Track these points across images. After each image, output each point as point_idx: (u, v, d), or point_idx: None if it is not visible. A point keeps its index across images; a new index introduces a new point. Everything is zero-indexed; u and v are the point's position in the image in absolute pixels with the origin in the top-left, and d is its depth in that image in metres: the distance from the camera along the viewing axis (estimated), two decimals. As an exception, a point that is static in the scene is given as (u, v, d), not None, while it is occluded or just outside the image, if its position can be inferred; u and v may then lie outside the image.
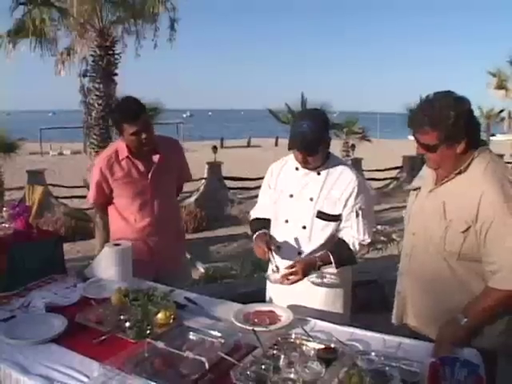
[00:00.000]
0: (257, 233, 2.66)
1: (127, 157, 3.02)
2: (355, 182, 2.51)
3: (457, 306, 2.02)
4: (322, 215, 2.52)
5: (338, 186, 2.52)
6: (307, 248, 2.56)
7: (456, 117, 1.93)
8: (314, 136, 2.40)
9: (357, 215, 2.51)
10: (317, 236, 2.55)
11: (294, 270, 2.43)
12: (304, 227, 2.55)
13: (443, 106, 1.95)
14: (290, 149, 2.49)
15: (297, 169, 2.59)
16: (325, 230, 2.55)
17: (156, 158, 3.05)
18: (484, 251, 1.96)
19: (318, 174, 2.54)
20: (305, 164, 2.50)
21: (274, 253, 2.50)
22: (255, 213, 2.84)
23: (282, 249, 2.59)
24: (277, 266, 2.49)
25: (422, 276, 2.18)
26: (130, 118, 2.89)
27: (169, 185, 3.19)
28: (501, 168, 2.04)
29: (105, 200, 3.15)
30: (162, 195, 3.11)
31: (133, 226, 3.08)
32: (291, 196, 2.58)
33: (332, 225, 2.55)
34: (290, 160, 2.64)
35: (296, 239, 2.57)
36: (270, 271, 2.67)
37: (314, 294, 2.57)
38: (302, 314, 2.36)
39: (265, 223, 2.72)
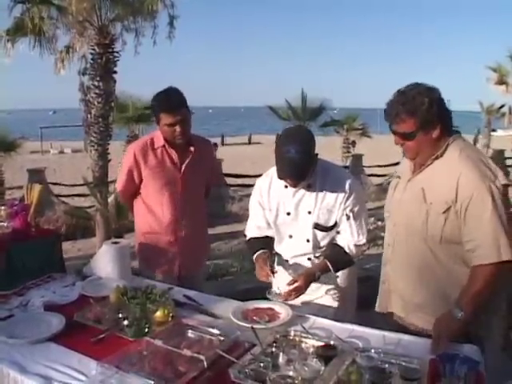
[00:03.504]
0: (257, 253, 2.62)
1: (163, 146, 2.95)
2: (346, 185, 2.49)
3: (440, 290, 2.11)
4: (318, 226, 2.53)
5: (330, 193, 2.50)
6: (314, 254, 2.59)
7: (429, 103, 2.02)
8: (302, 160, 2.31)
9: (348, 218, 2.51)
10: (320, 244, 2.58)
11: (296, 285, 2.41)
12: (308, 240, 2.56)
13: (416, 94, 2.04)
14: (280, 178, 2.42)
15: (286, 186, 2.52)
16: (326, 238, 2.57)
17: (192, 149, 2.99)
18: (464, 230, 2.03)
19: (309, 186, 2.50)
20: (294, 187, 2.47)
21: (275, 275, 2.48)
22: (250, 232, 2.77)
23: (291, 261, 2.64)
24: (279, 289, 2.47)
25: (405, 264, 2.24)
26: (169, 108, 2.83)
27: (199, 181, 3.11)
28: (475, 151, 2.14)
29: (133, 190, 3.07)
30: (192, 191, 3.04)
31: (159, 218, 3.00)
32: (288, 214, 2.56)
33: (330, 233, 2.57)
34: (276, 175, 2.54)
35: (302, 251, 2.59)
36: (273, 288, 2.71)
37: (319, 290, 2.61)
38: (307, 311, 2.38)
39: (264, 242, 2.67)
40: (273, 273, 2.46)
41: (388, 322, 2.32)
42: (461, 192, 2.00)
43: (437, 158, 2.12)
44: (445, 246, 2.09)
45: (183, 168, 2.98)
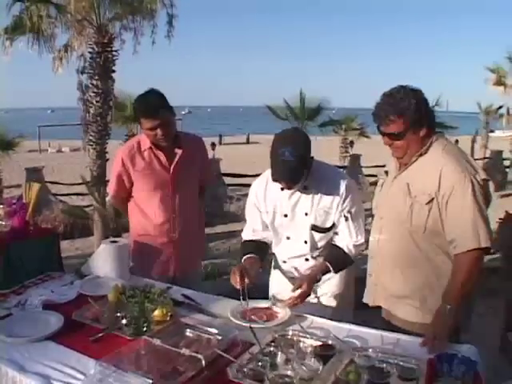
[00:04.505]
0: (244, 257, 2.61)
1: (149, 148, 2.94)
2: (342, 187, 2.48)
3: (423, 282, 2.19)
4: (315, 228, 2.53)
5: (326, 195, 2.49)
6: (311, 255, 2.60)
7: (416, 103, 2.11)
8: (297, 163, 2.28)
9: (346, 219, 2.51)
10: (318, 245, 2.58)
11: (302, 291, 2.39)
12: (305, 242, 2.55)
13: (403, 96, 2.13)
14: (274, 180, 2.38)
15: (282, 189, 2.51)
16: (323, 239, 2.57)
17: (179, 151, 2.96)
18: (446, 221, 2.10)
19: (305, 188, 2.48)
20: (289, 189, 2.46)
21: (245, 286, 2.36)
22: (246, 235, 2.75)
23: (288, 262, 2.65)
24: (244, 300, 2.35)
25: (391, 256, 2.29)
26: (147, 112, 2.81)
27: (191, 181, 3.08)
28: (456, 149, 2.24)
29: (124, 194, 3.06)
30: (183, 191, 3.01)
31: (152, 220, 2.99)
32: (285, 216, 2.55)
33: (328, 233, 2.57)
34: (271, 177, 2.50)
35: (300, 252, 2.59)
36: (270, 295, 2.69)
37: (318, 290, 2.61)
38: (305, 310, 2.37)
39: (255, 247, 2.66)
40: (243, 282, 2.35)
41: (373, 314, 2.40)
42: (443, 184, 2.09)
43: (421, 154, 2.20)
44: (429, 238, 2.17)
45: (172, 169, 2.96)
